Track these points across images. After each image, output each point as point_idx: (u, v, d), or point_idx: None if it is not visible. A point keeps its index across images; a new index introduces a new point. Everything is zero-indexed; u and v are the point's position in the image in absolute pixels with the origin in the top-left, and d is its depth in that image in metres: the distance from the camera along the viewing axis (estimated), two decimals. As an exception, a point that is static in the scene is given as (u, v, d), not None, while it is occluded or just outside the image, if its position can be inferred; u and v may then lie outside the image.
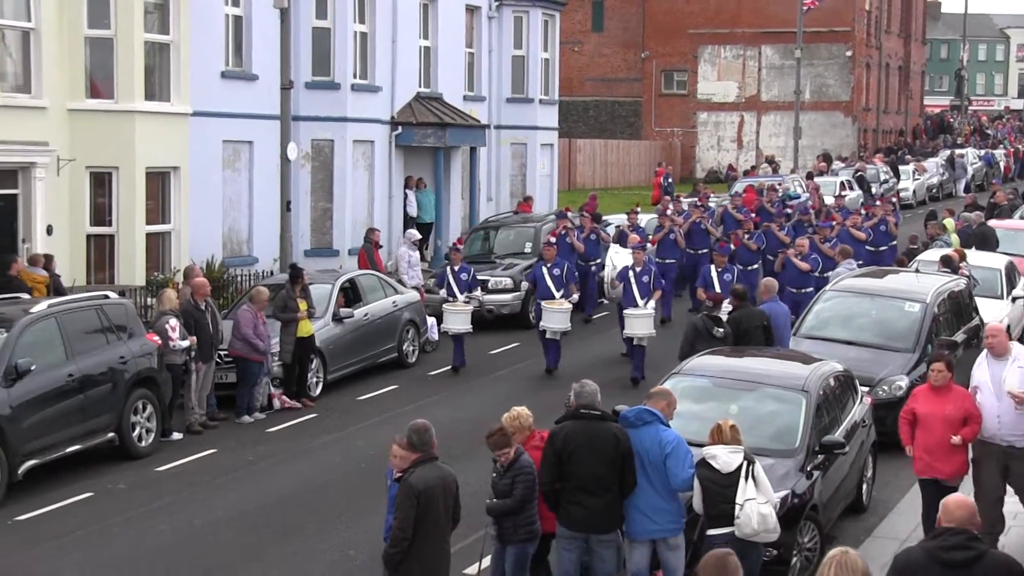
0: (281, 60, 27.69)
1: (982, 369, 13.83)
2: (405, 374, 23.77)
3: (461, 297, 24.00)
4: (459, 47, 37.96)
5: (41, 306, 18.03)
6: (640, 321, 22.77)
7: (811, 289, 24.59)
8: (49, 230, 24.11)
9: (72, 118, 24.68)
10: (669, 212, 31.33)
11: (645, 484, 11.58)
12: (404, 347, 24.36)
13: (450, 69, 37.21)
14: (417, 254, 28.84)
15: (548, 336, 23.27)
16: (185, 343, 19.57)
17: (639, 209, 32.17)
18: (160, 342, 19.20)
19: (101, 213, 25.30)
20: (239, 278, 27.46)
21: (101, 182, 25.20)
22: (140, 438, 18.60)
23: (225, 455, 18.60)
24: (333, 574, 13.70)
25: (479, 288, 25.27)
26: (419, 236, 30.54)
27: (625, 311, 23.40)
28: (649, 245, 26.08)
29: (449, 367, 23.83)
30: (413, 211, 34.70)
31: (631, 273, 23.34)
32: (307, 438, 19.60)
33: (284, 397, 21.22)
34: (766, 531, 11.50)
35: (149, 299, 23.94)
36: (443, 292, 24.30)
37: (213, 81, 28.39)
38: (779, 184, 42.88)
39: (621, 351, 24.20)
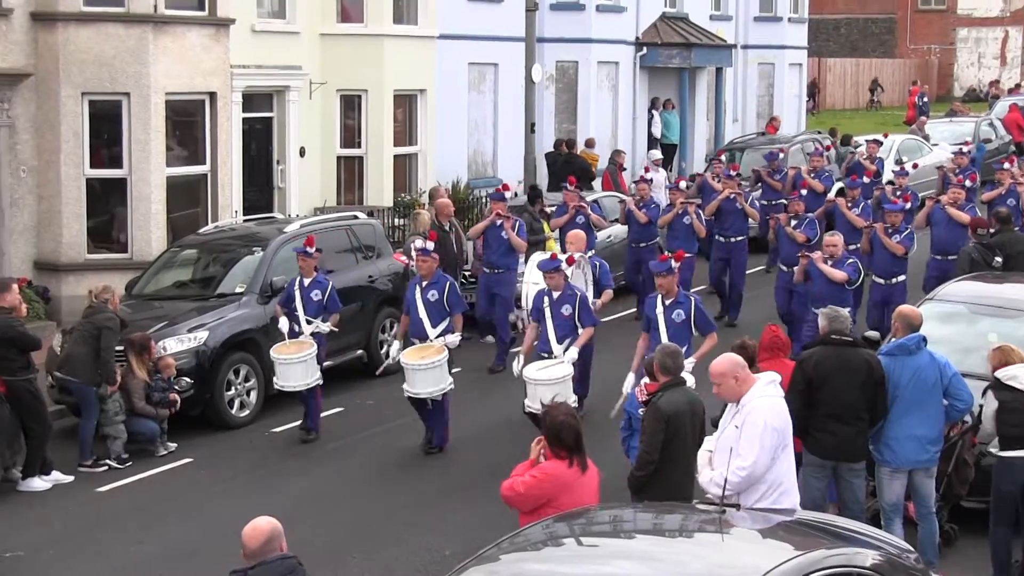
0: (527, -19, 27.68)
1: None
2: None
3: (308, 328, 16.07)
4: (706, -35, 37.30)
5: (294, 226, 18.50)
6: (545, 388, 13.91)
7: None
8: (302, 152, 24.66)
9: (323, 42, 25.11)
10: (683, 186, 22.86)
11: (919, 413, 11.19)
12: (648, 270, 24.12)
13: (697, -12, 36.60)
14: (661, 174, 28.54)
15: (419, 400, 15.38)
16: None
17: (883, 138, 29.61)
18: (407, 262, 19.48)
19: (351, 135, 25.77)
20: (483, 200, 27.63)
21: (351, 105, 25.66)
22: (388, 355, 18.91)
23: (468, 374, 18.70)
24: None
25: (332, 316, 16.33)
26: (660, 156, 30.26)
27: (525, 369, 14.71)
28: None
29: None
30: (658, 132, 34.39)
31: (546, 301, 15.23)
32: (551, 359, 19.61)
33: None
34: None
35: (397, 219, 24.33)
36: (283, 321, 16.16)
37: (460, 3, 28.47)
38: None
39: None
